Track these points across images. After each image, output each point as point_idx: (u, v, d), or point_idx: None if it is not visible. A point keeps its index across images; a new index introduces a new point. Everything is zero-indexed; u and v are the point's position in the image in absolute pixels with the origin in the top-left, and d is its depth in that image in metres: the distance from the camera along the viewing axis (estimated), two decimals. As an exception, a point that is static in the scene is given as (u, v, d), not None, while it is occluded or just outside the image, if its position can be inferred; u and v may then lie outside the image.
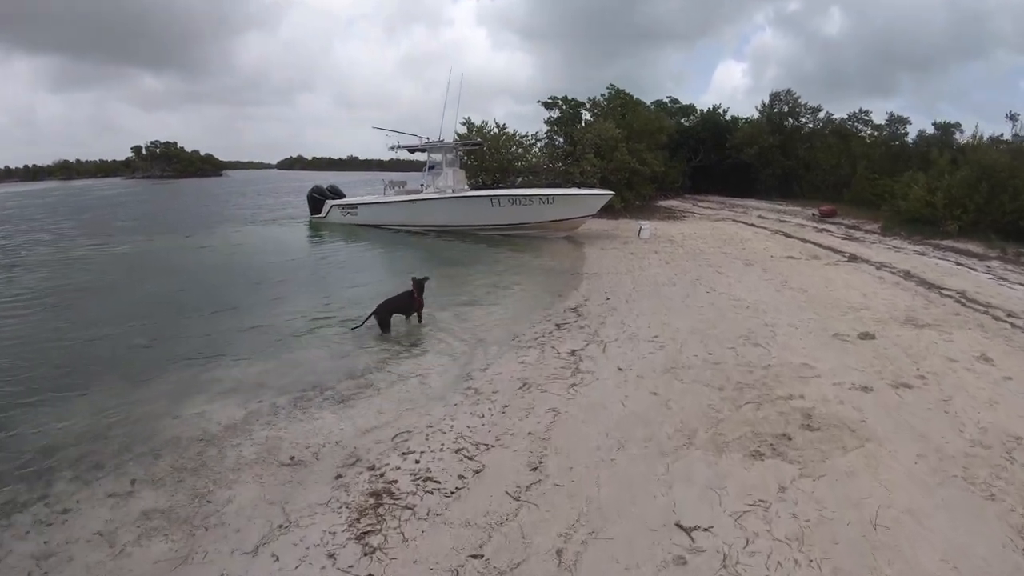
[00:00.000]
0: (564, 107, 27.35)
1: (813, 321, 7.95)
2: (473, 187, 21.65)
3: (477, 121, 23.99)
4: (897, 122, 29.13)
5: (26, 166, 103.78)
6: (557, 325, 7.86)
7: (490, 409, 5.08)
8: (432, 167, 19.40)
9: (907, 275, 11.32)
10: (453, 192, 18.35)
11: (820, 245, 15.67)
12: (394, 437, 4.63)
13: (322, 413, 5.15)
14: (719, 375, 5.81)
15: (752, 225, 20.65)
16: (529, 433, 4.60)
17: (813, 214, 22.72)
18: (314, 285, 11.26)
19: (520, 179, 24.24)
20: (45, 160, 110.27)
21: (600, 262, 13.31)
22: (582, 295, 9.83)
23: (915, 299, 9.40)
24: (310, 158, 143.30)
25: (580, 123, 26.75)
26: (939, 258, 13.40)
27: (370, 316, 7.62)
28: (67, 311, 9.09)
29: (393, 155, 21.11)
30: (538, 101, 27.50)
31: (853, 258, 13.59)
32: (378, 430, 4.79)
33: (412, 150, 20.08)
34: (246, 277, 11.98)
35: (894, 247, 15.15)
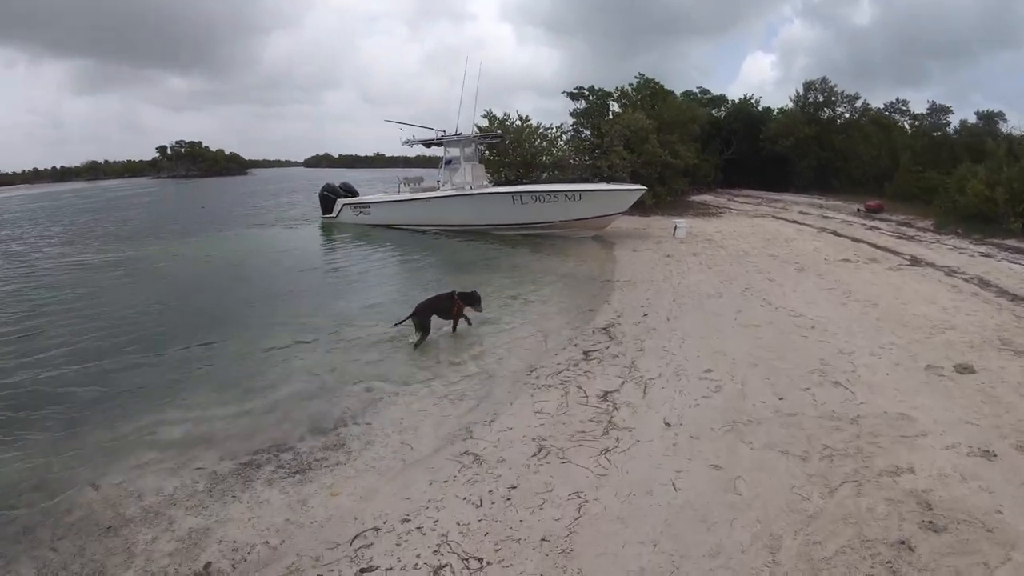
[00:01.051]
0: (591, 97, 25.76)
1: (896, 347, 6.48)
2: (495, 183, 20.37)
3: (499, 113, 22.65)
4: (939, 111, 27.53)
5: (54, 167, 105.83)
6: (585, 353, 6.48)
7: (491, 492, 3.74)
8: (449, 162, 18.04)
9: (983, 283, 9.76)
10: (471, 189, 17.00)
11: (875, 245, 14.05)
12: (354, 539, 3.33)
13: (269, 491, 3.90)
14: (798, 434, 4.39)
15: (794, 222, 18.98)
16: (543, 540, 3.25)
17: (858, 209, 21.01)
18: (309, 301, 9.83)
19: (545, 174, 22.85)
20: (74, 161, 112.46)
21: (633, 267, 11.90)
22: (614, 310, 8.44)
23: (1001, 314, 7.89)
24: (336, 155, 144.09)
25: (608, 114, 25.17)
26: (1009, 261, 11.73)
27: (409, 317, 7.08)
28: (11, 340, 7.77)
29: (421, 151, 19.82)
30: (563, 92, 26.02)
31: (916, 261, 11.99)
32: (335, 524, 3.51)
33: (428, 144, 18.76)
34: (235, 293, 10.55)
35: (955, 247, 13.46)
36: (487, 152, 22.17)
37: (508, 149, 21.99)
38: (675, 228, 15.92)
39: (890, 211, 20.42)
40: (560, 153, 23.26)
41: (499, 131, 20.30)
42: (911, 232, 16.21)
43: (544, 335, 7.36)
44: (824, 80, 31.64)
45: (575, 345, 6.80)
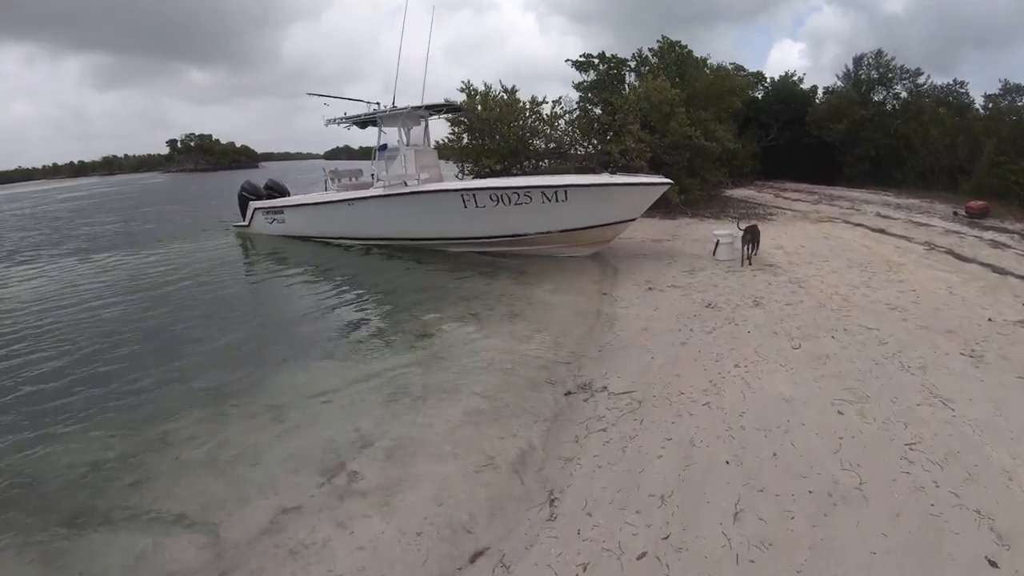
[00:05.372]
0: (601, 67, 19.94)
1: None
2: (478, 177, 15.04)
3: (480, 86, 17.08)
4: (1014, 91, 22.19)
5: (71, 162, 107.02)
6: None
7: None
8: (384, 147, 12.61)
9: None
10: (416, 185, 11.49)
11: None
12: None
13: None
14: None
15: (881, 231, 12.93)
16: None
17: (955, 213, 14.89)
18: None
19: (545, 163, 17.35)
20: (95, 156, 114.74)
21: (644, 335, 6.40)
22: (570, 560, 3.04)
23: None
24: (356, 147, 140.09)
25: (623, 88, 19.42)
26: None
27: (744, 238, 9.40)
28: None
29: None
30: (566, 60, 20.20)
31: None
32: None
33: (363, 125, 13.27)
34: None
35: None
36: (470, 139, 16.75)
37: (491, 130, 16.49)
38: (716, 244, 10.32)
39: (997, 215, 14.43)
40: (559, 134, 17.63)
41: (457, 102, 14.33)
42: (1051, 250, 10.50)
43: None
44: (879, 53, 25.75)
45: None
